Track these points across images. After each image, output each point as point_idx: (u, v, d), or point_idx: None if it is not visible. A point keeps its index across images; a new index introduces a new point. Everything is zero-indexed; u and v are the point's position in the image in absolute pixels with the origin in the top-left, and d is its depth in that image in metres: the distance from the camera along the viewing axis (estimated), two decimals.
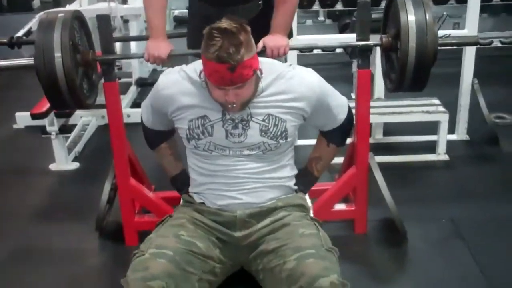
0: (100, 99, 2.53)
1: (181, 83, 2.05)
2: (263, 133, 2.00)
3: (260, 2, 2.45)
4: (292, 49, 2.49)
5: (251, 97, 1.95)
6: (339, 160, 2.78)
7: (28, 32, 3.71)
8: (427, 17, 2.13)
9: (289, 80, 2.02)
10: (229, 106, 1.90)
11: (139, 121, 2.38)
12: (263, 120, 2.00)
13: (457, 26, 5.45)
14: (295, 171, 2.22)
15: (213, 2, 2.42)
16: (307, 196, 2.38)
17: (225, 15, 1.90)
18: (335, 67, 5.37)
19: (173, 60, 2.37)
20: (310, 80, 2.06)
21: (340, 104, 2.22)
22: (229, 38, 1.78)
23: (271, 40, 2.30)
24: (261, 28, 2.32)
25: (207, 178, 2.08)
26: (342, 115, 2.22)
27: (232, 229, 2.00)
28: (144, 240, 1.95)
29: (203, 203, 2.09)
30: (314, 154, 2.40)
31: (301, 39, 2.82)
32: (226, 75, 1.80)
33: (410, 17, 2.14)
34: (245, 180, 2.03)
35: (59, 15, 2.27)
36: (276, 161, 2.08)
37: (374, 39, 2.38)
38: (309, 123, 2.18)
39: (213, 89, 1.91)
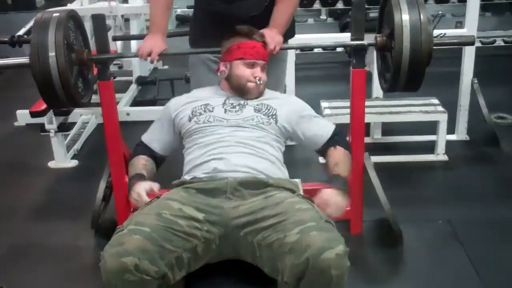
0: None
1: (188, 95, 2.43)
2: (256, 111, 2.28)
3: None
4: (287, 48, 2.50)
5: (265, 85, 2.34)
6: None
7: (29, 31, 3.73)
8: (421, 17, 2.12)
9: (278, 94, 2.46)
10: (257, 82, 2.27)
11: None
12: (257, 105, 2.30)
13: (459, 25, 5.44)
14: (284, 166, 2.27)
15: None
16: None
17: (232, 10, 2.39)
18: (335, 66, 5.37)
19: (167, 59, 2.39)
20: (295, 97, 2.54)
21: (323, 118, 2.52)
22: (249, 31, 2.30)
23: (269, 35, 2.35)
24: (266, 25, 2.42)
25: (204, 148, 2.19)
26: (329, 127, 2.39)
27: (222, 196, 2.00)
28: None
29: (194, 177, 2.14)
30: (329, 164, 2.32)
31: (297, 38, 2.81)
32: (260, 49, 2.28)
33: (404, 17, 2.12)
34: (239, 145, 2.17)
35: (54, 14, 2.27)
36: (268, 140, 2.23)
37: (369, 38, 2.37)
38: (301, 138, 2.36)
39: (242, 70, 2.27)
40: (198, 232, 1.90)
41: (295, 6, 2.50)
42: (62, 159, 3.56)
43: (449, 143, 3.48)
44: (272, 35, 2.35)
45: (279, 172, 2.20)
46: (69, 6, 4.42)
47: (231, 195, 2.00)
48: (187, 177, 2.17)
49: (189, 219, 1.91)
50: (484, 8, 5.80)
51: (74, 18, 2.37)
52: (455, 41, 2.45)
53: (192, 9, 2.78)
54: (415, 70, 2.16)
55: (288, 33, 2.59)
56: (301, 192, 2.17)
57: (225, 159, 2.12)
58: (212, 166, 2.11)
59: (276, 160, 2.22)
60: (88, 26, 2.54)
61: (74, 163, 3.60)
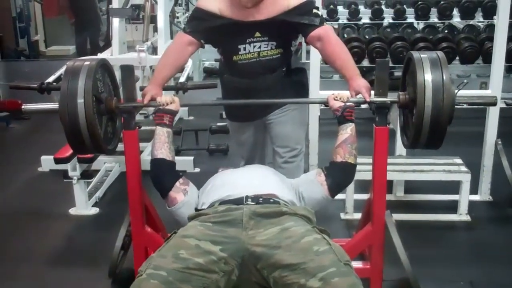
0: None
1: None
2: None
3: (284, 69, 2.71)
4: (311, 102, 2.54)
5: None
6: (357, 216, 2.75)
7: (59, 78, 3.82)
8: (444, 77, 2.13)
9: None
10: None
11: None
12: None
13: (484, 85, 5.43)
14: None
15: (244, 75, 2.66)
16: None
17: (256, 85, 2.57)
18: (359, 122, 5.29)
19: (192, 110, 2.42)
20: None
21: None
22: None
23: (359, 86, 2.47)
24: (286, 88, 2.66)
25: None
26: None
27: (238, 226, 2.02)
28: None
29: (212, 205, 2.19)
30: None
31: (322, 94, 2.85)
32: None
33: (427, 76, 2.14)
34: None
35: (85, 63, 2.33)
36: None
37: (393, 96, 2.38)
38: None
39: None
40: (216, 267, 1.92)
41: (334, 34, 2.58)
42: (83, 206, 3.58)
43: (472, 203, 3.44)
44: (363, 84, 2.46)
45: (291, 191, 2.33)
46: (99, 56, 4.53)
47: (247, 224, 2.02)
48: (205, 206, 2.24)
49: (206, 255, 1.93)
50: (509, 69, 5.80)
51: (104, 67, 2.44)
52: (478, 101, 2.45)
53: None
54: (437, 128, 2.16)
55: (302, 92, 2.77)
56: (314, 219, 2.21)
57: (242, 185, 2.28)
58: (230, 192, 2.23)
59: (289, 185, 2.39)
60: (117, 75, 2.60)
61: (95, 210, 3.61)
